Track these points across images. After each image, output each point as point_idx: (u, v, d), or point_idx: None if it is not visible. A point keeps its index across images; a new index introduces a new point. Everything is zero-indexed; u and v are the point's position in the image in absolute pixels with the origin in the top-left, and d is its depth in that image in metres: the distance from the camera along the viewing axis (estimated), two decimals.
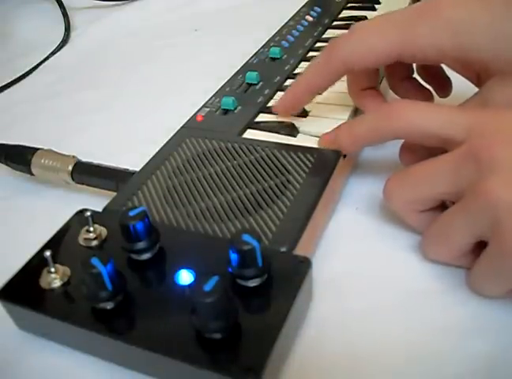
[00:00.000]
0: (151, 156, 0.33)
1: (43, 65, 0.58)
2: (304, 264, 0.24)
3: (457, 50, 0.28)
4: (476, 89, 0.31)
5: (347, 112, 0.36)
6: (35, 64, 0.57)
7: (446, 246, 0.26)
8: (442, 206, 0.27)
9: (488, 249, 0.24)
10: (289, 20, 0.51)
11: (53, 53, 0.60)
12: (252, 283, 0.23)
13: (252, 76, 0.40)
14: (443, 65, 0.35)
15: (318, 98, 0.37)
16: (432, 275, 0.27)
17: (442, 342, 0.24)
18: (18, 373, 0.25)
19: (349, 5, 0.53)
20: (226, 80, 0.41)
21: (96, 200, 0.31)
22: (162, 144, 0.34)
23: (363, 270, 0.28)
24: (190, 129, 0.36)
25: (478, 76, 0.31)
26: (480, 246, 0.24)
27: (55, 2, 0.66)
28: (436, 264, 0.27)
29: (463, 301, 0.25)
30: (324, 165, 0.31)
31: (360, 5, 0.52)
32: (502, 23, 0.27)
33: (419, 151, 0.29)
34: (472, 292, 0.26)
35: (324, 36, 0.47)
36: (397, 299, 0.26)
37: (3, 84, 0.54)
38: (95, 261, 0.22)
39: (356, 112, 0.36)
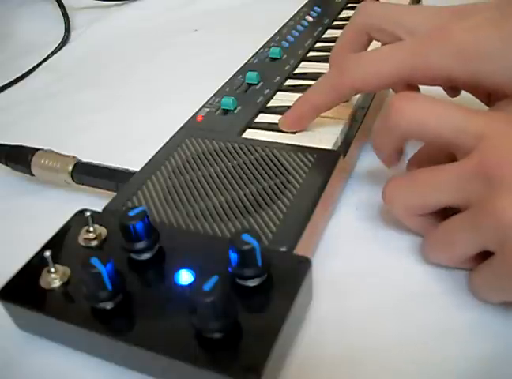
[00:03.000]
0: (151, 156, 0.33)
1: (43, 65, 0.58)
2: (304, 264, 0.24)
3: (469, 75, 0.28)
4: None
5: (347, 112, 0.35)
6: (35, 64, 0.57)
7: (450, 253, 0.26)
8: (443, 209, 0.27)
9: (493, 261, 0.24)
10: (289, 20, 0.51)
11: (53, 53, 0.60)
12: (252, 283, 0.23)
13: (252, 76, 0.40)
14: None
15: None
16: (432, 276, 0.27)
17: (442, 343, 0.24)
18: (18, 373, 0.25)
19: (349, 5, 0.52)
20: (226, 80, 0.41)
21: (96, 200, 0.31)
22: (162, 144, 0.34)
23: (362, 270, 0.28)
24: (190, 129, 0.36)
25: (488, 96, 0.31)
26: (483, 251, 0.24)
27: (55, 2, 0.66)
28: (436, 266, 0.27)
29: (463, 302, 0.25)
30: (324, 165, 0.31)
31: None
32: None
33: (428, 163, 0.28)
34: (471, 294, 0.26)
35: (324, 36, 0.47)
36: (397, 300, 0.26)
37: (3, 84, 0.54)
38: (95, 261, 0.22)
39: (356, 112, 0.36)
